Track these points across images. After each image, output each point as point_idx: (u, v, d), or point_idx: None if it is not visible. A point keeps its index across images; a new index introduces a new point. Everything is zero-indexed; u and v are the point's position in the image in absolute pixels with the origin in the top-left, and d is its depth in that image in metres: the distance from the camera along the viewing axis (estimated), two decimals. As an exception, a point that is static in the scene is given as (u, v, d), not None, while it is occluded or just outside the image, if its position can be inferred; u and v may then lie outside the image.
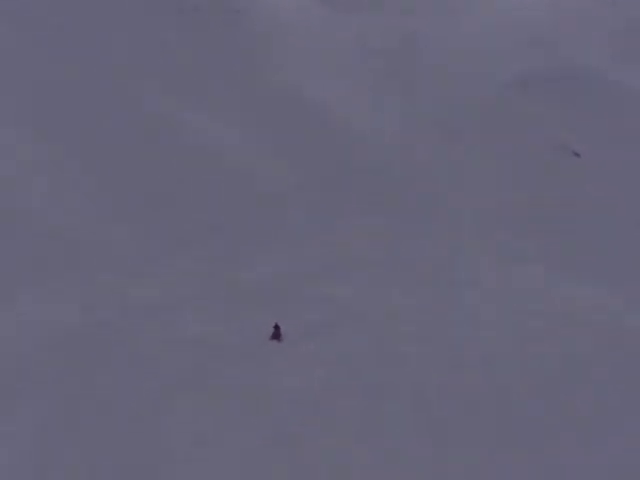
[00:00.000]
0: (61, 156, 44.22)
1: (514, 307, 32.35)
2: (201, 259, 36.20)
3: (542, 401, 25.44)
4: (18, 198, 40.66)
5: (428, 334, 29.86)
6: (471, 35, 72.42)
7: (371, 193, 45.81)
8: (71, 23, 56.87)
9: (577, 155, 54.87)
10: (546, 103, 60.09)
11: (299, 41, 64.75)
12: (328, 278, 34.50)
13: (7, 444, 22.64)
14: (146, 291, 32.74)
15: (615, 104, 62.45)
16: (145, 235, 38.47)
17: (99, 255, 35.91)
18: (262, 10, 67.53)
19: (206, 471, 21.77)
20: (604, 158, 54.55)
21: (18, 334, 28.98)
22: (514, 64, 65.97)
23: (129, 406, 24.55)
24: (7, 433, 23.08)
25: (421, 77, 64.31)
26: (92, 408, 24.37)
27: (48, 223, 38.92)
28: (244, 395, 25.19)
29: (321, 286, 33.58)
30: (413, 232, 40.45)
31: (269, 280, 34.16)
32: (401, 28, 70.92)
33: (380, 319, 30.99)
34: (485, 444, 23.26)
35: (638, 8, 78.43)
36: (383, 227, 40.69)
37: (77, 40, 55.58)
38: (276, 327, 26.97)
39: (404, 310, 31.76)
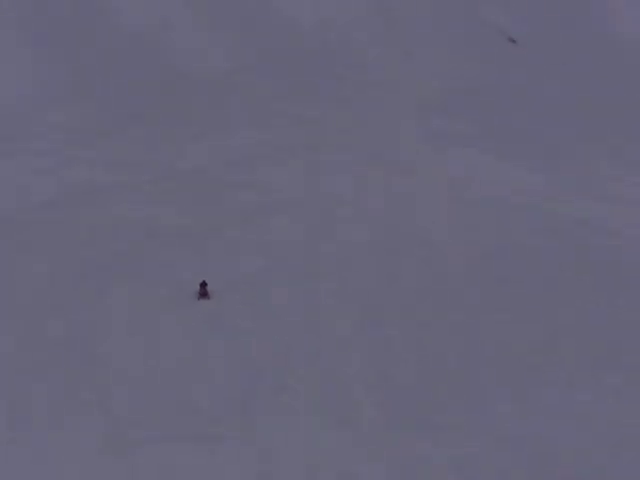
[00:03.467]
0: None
1: (450, 194, 32.46)
2: (134, 142, 36.00)
3: (478, 288, 25.64)
4: None
5: (364, 219, 30.14)
6: None
7: (308, 82, 45.05)
8: None
9: (513, 41, 54.45)
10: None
11: None
12: (263, 165, 34.50)
13: None
14: (80, 174, 32.65)
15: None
16: (73, 122, 37.95)
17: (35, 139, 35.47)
18: None
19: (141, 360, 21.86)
20: (541, 45, 54.20)
21: None
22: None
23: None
24: None
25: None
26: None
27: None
28: (177, 283, 25.17)
29: (256, 173, 33.65)
30: (347, 118, 40.10)
31: (203, 168, 34.02)
32: None
33: (315, 205, 31.10)
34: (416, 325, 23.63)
35: None
36: (319, 116, 40.31)
37: None
38: (202, 285, 24.45)
39: (339, 196, 31.86)
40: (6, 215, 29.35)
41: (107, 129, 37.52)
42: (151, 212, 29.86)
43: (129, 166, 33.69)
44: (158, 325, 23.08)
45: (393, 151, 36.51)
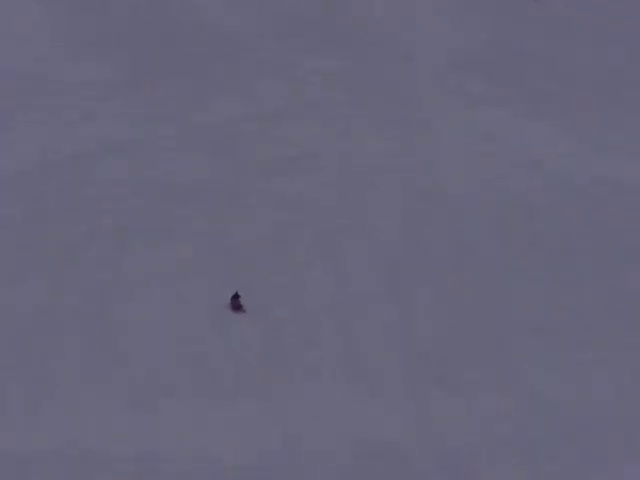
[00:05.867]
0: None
1: (470, 150, 32.36)
2: (155, 99, 35.20)
3: (496, 240, 26.43)
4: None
5: (382, 176, 30.11)
6: None
7: (323, 35, 44.09)
8: None
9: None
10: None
11: None
12: (282, 120, 34.06)
13: None
14: (100, 131, 32.30)
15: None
16: (99, 74, 37.05)
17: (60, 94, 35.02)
18: None
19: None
20: (568, 4, 52.95)
21: None
22: None
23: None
24: None
25: None
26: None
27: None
28: (197, 238, 25.60)
29: (275, 127, 33.34)
30: (367, 73, 39.38)
31: (222, 122, 33.54)
32: None
33: (334, 160, 31.15)
34: (437, 279, 24.39)
35: None
36: (336, 69, 39.33)
37: None
38: (235, 296, 22.87)
39: (357, 151, 31.84)
40: (26, 168, 29.38)
41: (134, 83, 36.73)
42: (170, 167, 29.78)
43: (152, 120, 33.29)
44: (176, 285, 23.26)
45: (413, 108, 35.87)
